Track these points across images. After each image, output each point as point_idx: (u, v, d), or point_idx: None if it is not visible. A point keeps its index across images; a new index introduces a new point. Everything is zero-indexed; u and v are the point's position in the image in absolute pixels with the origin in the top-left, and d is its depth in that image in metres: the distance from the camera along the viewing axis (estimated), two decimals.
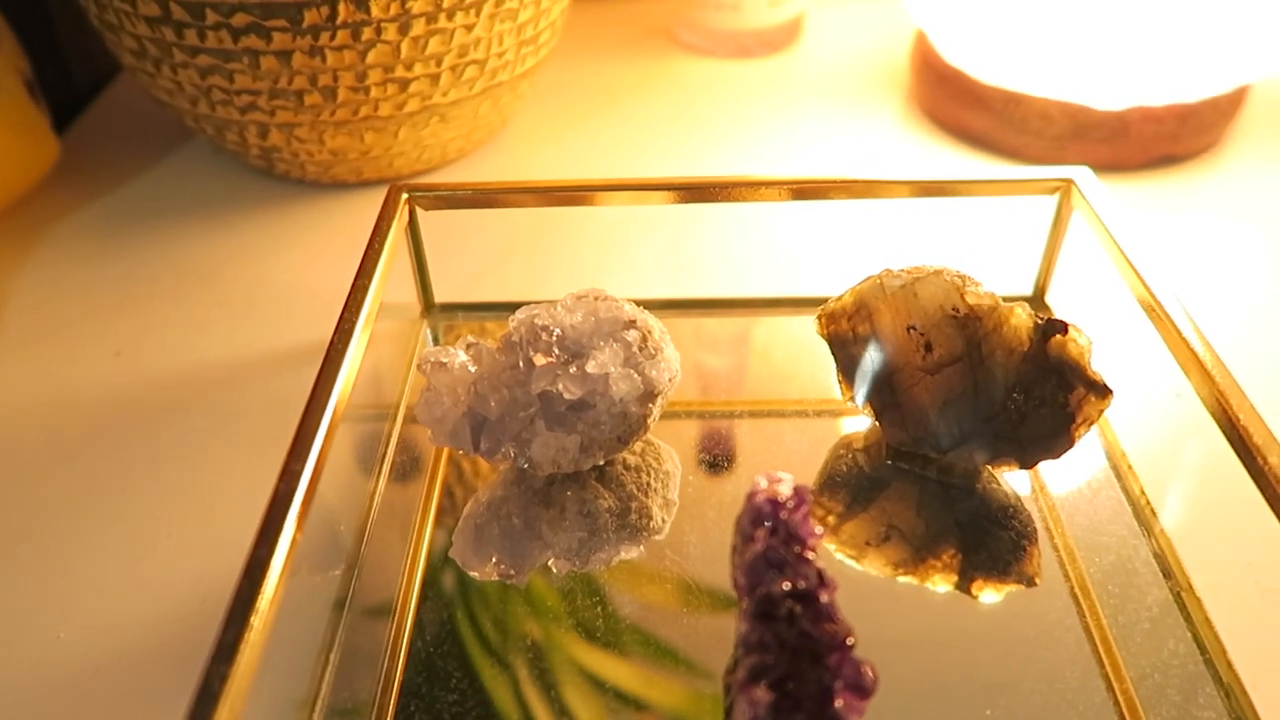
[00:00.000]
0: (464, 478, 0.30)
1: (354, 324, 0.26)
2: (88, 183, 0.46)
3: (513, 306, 0.28)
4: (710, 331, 0.35)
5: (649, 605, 0.26)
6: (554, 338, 0.26)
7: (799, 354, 0.33)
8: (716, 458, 0.30)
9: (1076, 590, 0.25)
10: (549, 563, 0.27)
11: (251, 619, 0.19)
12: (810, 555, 0.20)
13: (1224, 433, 0.23)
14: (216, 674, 0.18)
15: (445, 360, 0.26)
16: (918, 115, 0.49)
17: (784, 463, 0.30)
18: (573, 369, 0.26)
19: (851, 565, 0.26)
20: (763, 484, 0.21)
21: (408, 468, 0.30)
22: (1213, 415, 0.24)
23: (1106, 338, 0.34)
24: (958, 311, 0.26)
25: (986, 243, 0.40)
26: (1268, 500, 0.21)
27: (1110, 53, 0.40)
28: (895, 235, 0.41)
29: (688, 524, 0.27)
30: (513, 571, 0.27)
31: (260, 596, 0.19)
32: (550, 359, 0.26)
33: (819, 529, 0.20)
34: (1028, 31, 0.41)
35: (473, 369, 0.27)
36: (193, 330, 0.37)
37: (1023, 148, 0.44)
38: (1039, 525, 0.27)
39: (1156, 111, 0.42)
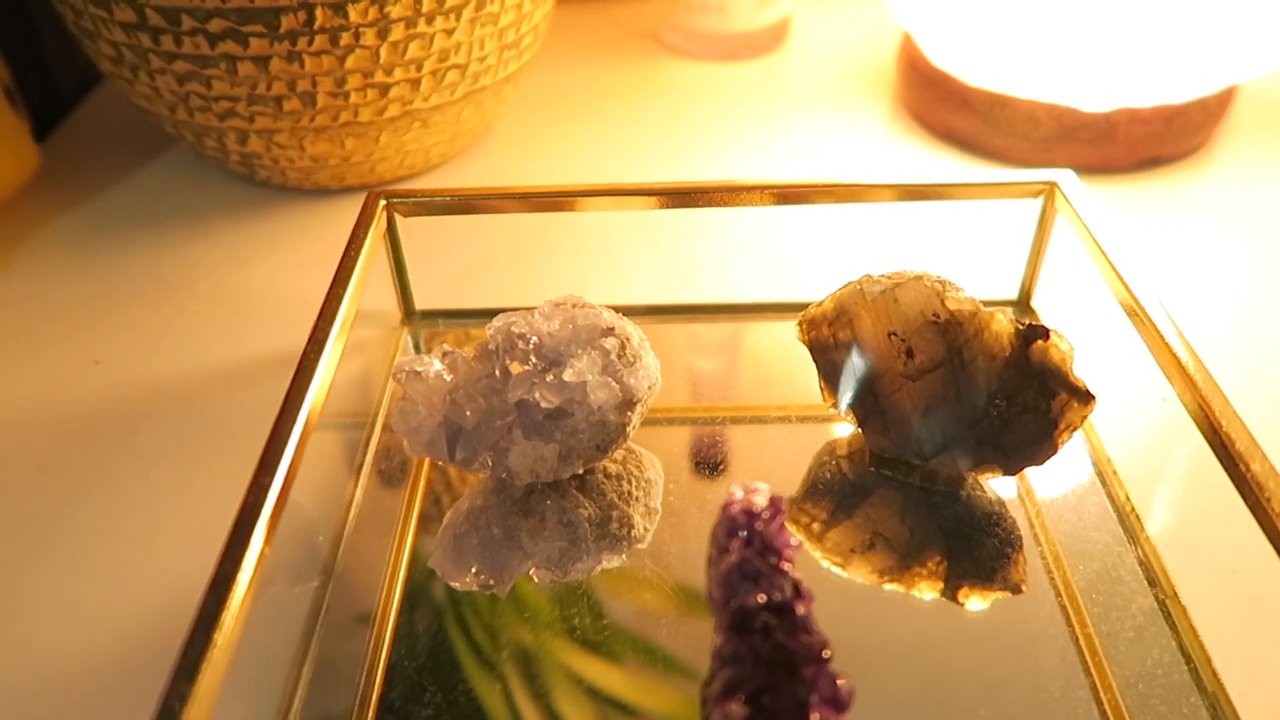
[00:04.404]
0: (448, 485, 0.29)
1: (327, 334, 0.26)
2: (68, 190, 0.45)
3: (496, 313, 0.28)
4: (694, 337, 0.35)
5: (633, 613, 0.25)
6: (531, 346, 0.26)
7: (783, 359, 0.33)
8: (700, 464, 0.30)
9: (1063, 597, 0.25)
10: (530, 572, 0.26)
11: (215, 636, 0.19)
12: (786, 566, 0.20)
13: (1206, 439, 0.23)
14: (177, 694, 0.17)
15: (420, 369, 0.26)
16: (904, 118, 0.48)
17: (768, 469, 0.29)
18: (550, 377, 0.26)
19: (837, 573, 0.26)
20: (738, 494, 0.20)
21: (392, 475, 0.30)
22: (1195, 421, 0.23)
23: (1093, 342, 0.33)
24: (938, 317, 0.26)
25: (974, 246, 0.39)
26: (1250, 508, 0.21)
27: (1097, 54, 0.39)
28: (883, 238, 0.40)
29: (671, 532, 0.27)
30: (492, 581, 0.26)
31: (225, 613, 0.19)
32: (527, 367, 0.26)
33: (795, 539, 0.20)
34: (1014, 33, 0.40)
35: (448, 378, 0.26)
36: (173, 338, 0.36)
37: (1009, 150, 0.44)
38: (1025, 532, 0.27)
39: (1143, 113, 0.42)
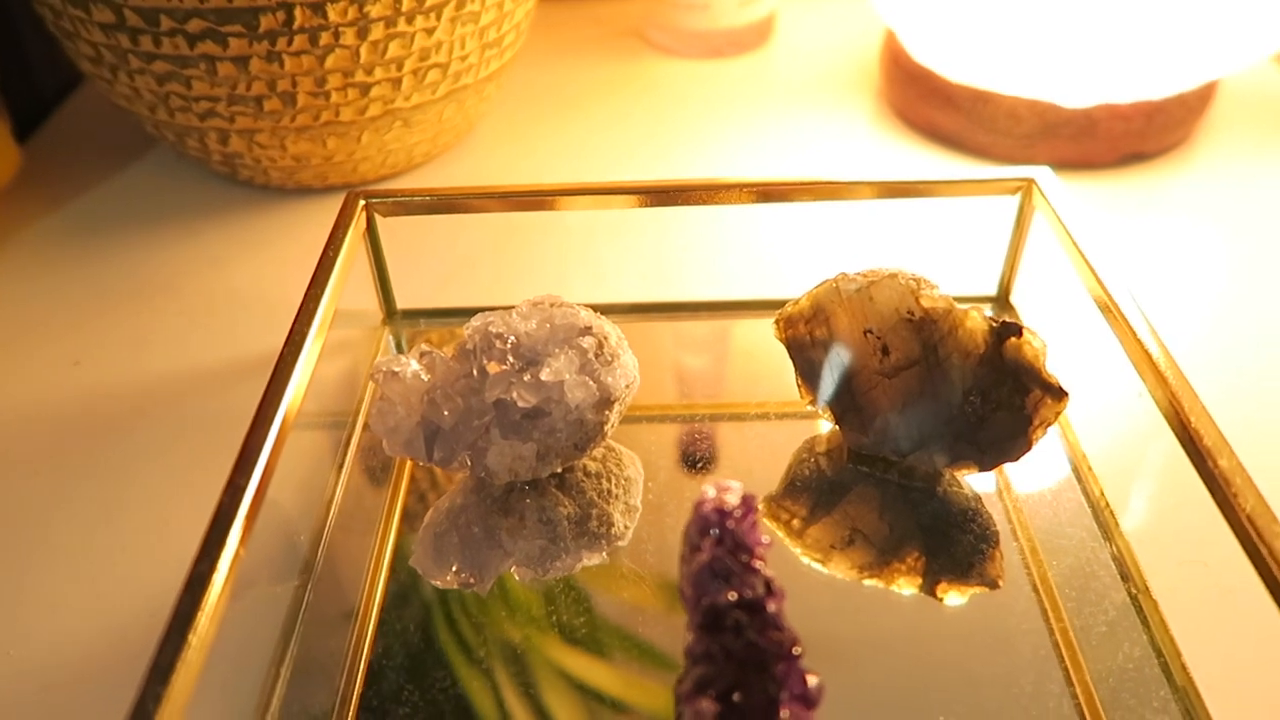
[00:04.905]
0: (434, 483, 0.30)
1: (305, 335, 0.26)
2: (51, 190, 0.45)
3: (479, 312, 0.28)
4: (674, 335, 0.35)
5: (614, 609, 0.25)
6: (508, 345, 0.26)
7: (763, 356, 0.33)
8: (681, 461, 0.30)
9: (1040, 592, 0.25)
10: (511, 571, 0.26)
11: (190, 637, 0.19)
12: (758, 564, 0.20)
13: (1176, 435, 0.23)
14: (151, 694, 0.18)
15: (397, 369, 0.26)
16: (888, 114, 0.49)
17: (748, 466, 0.29)
18: (527, 377, 0.26)
19: (817, 569, 0.26)
20: (710, 493, 0.20)
21: (375, 474, 0.30)
22: (1165, 417, 0.24)
23: (1071, 338, 0.34)
24: (913, 315, 0.26)
25: (956, 241, 0.40)
26: (1218, 503, 0.21)
27: (1077, 51, 0.39)
28: (865, 235, 0.40)
29: (651, 529, 0.27)
30: (473, 580, 0.26)
31: (200, 614, 0.19)
32: (504, 367, 0.26)
33: (766, 538, 0.20)
34: (996, 30, 0.40)
35: (426, 378, 0.26)
36: (154, 340, 0.36)
37: (992, 146, 0.44)
38: (1003, 527, 0.27)
39: (1124, 109, 0.42)
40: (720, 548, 0.20)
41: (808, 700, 0.19)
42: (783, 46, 0.56)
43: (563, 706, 0.23)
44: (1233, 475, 0.21)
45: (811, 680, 0.19)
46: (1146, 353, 0.24)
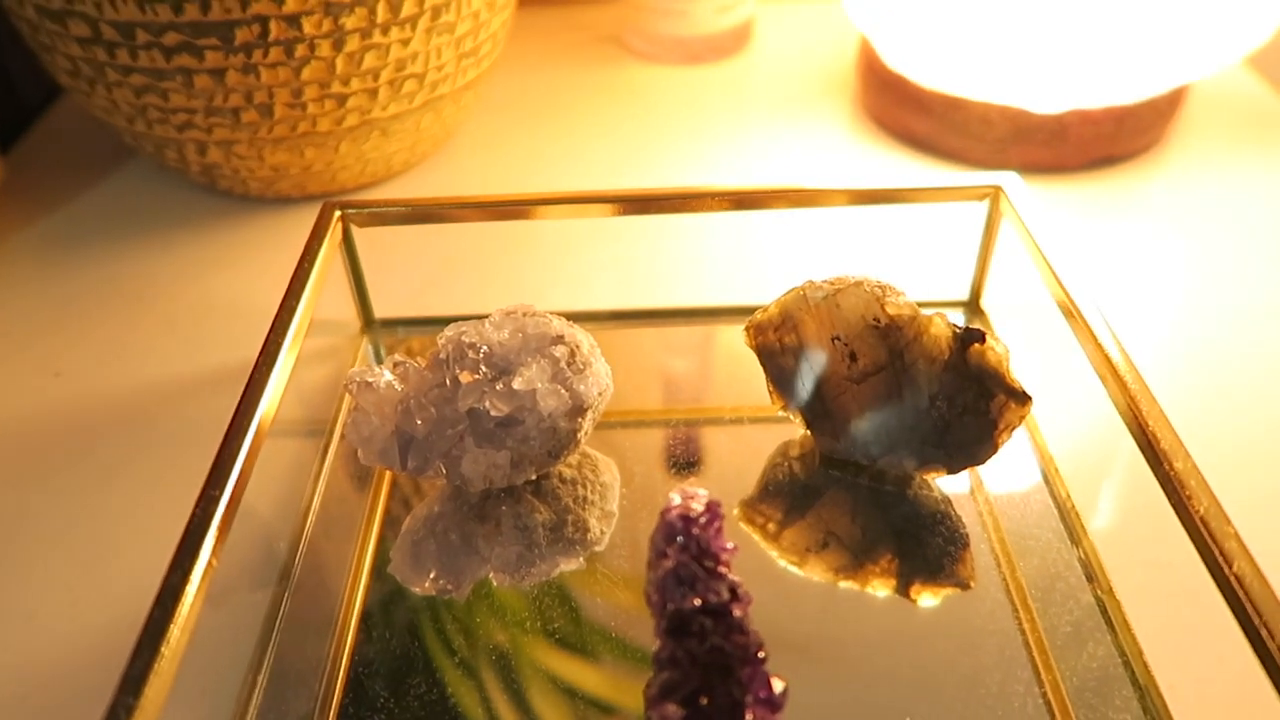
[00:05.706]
0: (415, 491, 0.30)
1: (280, 345, 0.26)
2: (32, 201, 0.45)
3: (458, 320, 0.28)
4: (650, 341, 0.35)
5: (590, 614, 0.26)
6: (481, 355, 0.27)
7: (738, 362, 0.34)
8: (673, 462, 0.30)
9: (1010, 593, 0.26)
10: (489, 576, 0.27)
11: (161, 649, 0.19)
12: (723, 570, 0.20)
13: (1134, 438, 0.23)
14: (122, 705, 0.18)
15: (371, 380, 0.26)
16: (864, 120, 0.49)
17: (723, 471, 0.30)
18: (499, 386, 0.26)
19: (793, 571, 0.27)
20: (676, 500, 0.21)
21: (355, 481, 0.30)
22: (1124, 420, 0.24)
23: (1041, 342, 0.34)
24: (879, 322, 0.26)
25: (931, 246, 0.40)
26: (1173, 504, 0.22)
27: (1047, 57, 0.40)
28: (842, 239, 0.41)
29: (626, 535, 0.28)
30: (451, 586, 0.27)
31: (172, 625, 0.19)
32: (477, 376, 0.26)
33: (731, 544, 0.21)
34: (967, 37, 0.41)
35: (399, 387, 0.27)
36: (135, 350, 0.37)
37: (965, 151, 0.45)
38: (974, 529, 0.27)
39: (1094, 114, 0.42)
40: (685, 554, 0.20)
41: (773, 704, 0.19)
42: (760, 52, 0.56)
43: (543, 711, 0.24)
44: (1187, 477, 0.21)
45: (776, 684, 0.19)
46: (1106, 356, 0.25)
